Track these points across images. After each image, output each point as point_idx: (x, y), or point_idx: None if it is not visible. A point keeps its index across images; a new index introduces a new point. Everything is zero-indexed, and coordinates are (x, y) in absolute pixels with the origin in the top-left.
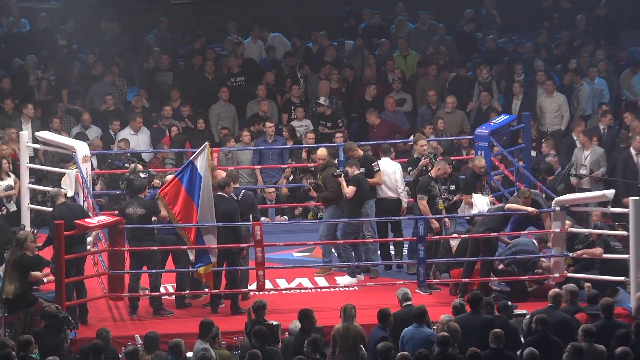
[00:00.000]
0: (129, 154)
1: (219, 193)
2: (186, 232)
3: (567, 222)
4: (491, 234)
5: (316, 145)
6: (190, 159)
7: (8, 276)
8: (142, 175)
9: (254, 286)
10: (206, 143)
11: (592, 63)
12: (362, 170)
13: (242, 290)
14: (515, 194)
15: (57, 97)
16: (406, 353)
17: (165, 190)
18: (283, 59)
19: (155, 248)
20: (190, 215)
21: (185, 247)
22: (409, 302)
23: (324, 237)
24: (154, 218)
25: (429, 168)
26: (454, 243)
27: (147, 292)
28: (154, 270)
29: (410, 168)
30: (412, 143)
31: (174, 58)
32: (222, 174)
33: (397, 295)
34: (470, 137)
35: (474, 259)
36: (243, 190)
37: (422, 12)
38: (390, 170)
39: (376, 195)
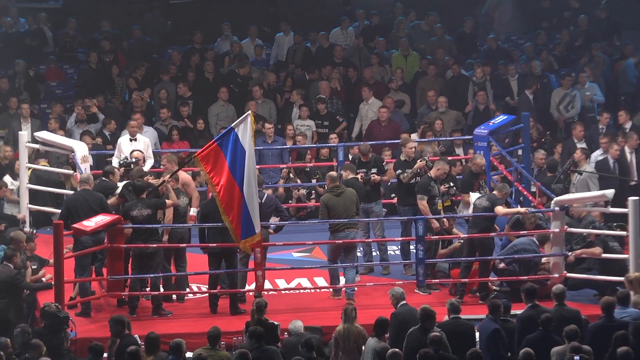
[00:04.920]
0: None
1: None
2: (227, 215)
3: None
4: (491, 234)
5: (314, 145)
6: (232, 125)
7: None
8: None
9: (253, 286)
10: (249, 111)
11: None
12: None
13: (242, 290)
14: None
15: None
16: (397, 350)
17: (203, 153)
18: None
19: (154, 246)
20: (233, 195)
21: (184, 244)
22: (404, 302)
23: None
24: (158, 217)
25: (423, 171)
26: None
27: (147, 290)
28: (151, 275)
29: (399, 171)
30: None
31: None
32: None
33: (391, 295)
34: (469, 137)
35: (472, 259)
36: (266, 194)
37: (432, 13)
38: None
39: (381, 197)
